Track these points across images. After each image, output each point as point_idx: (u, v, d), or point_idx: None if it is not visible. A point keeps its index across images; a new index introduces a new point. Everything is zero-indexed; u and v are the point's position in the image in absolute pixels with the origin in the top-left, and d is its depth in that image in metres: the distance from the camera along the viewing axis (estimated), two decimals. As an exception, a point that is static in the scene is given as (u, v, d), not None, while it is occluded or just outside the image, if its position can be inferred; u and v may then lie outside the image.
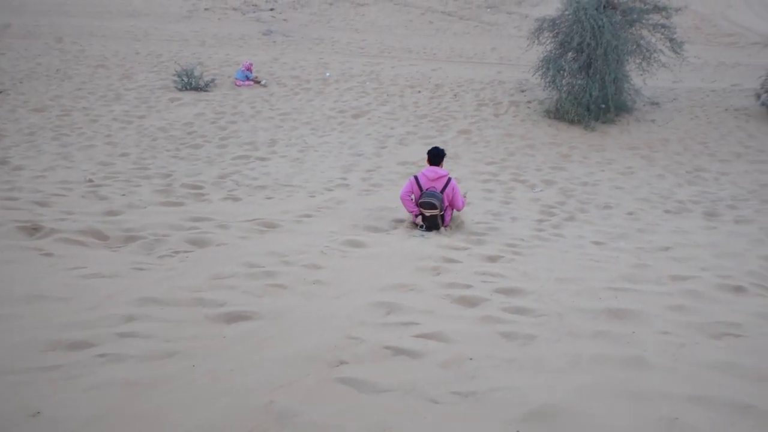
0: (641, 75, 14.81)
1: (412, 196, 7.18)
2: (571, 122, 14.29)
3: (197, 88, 15.97)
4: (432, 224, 7.16)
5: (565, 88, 14.67)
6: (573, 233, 7.56)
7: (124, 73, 17.16)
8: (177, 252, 5.44)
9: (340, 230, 6.68)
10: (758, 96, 15.50)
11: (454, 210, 7.40)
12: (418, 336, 3.79)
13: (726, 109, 15.54)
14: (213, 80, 16.57)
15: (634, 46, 14.61)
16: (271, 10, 29.01)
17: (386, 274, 5.15)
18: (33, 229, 5.52)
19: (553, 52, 14.92)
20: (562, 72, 14.70)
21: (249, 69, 17.02)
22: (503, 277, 5.27)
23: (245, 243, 5.89)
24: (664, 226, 8.21)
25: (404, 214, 7.54)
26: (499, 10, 29.76)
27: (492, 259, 5.96)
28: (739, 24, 27.71)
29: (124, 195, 7.90)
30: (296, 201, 8.34)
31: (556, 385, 3.20)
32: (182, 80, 15.95)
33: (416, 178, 7.20)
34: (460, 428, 2.81)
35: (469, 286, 4.91)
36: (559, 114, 14.55)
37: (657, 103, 15.85)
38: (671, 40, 14.91)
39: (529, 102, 15.67)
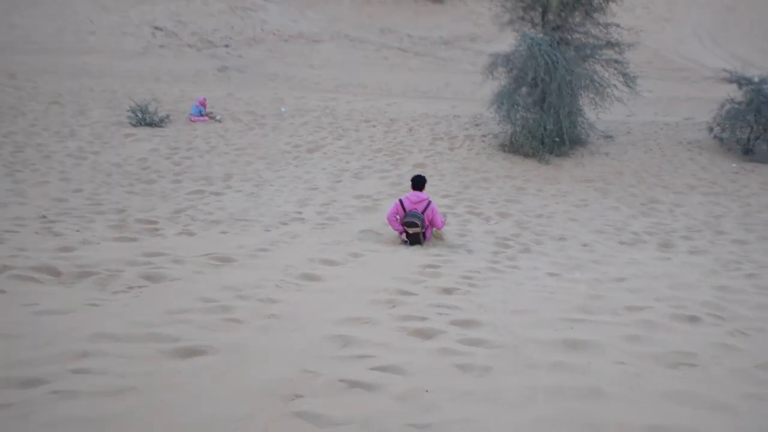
0: (595, 109, 15.11)
1: (398, 217, 8.26)
2: (526, 155, 14.55)
3: (152, 124, 15.92)
4: (414, 240, 8.24)
5: (519, 122, 14.87)
6: (528, 265, 7.63)
7: (78, 109, 16.97)
8: (131, 287, 5.39)
9: (295, 264, 6.72)
10: (711, 129, 16.04)
11: (434, 228, 8.46)
12: (374, 369, 3.81)
13: (679, 142, 16.08)
14: (168, 116, 16.54)
15: (588, 81, 14.92)
16: (226, 46, 29.19)
17: (341, 308, 5.19)
18: (-16, 267, 5.43)
19: (508, 86, 15.15)
20: (516, 106, 14.88)
21: (203, 104, 17.02)
22: (459, 309, 5.30)
23: (200, 278, 5.88)
24: (618, 257, 8.33)
25: (358, 248, 7.74)
26: (454, 47, 30.49)
27: (447, 291, 6.00)
28: (691, 59, 28.81)
29: (78, 231, 7.80)
30: (251, 235, 8.35)
31: (513, 417, 3.24)
32: (137, 116, 15.88)
33: (401, 201, 8.28)
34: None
35: (424, 318, 4.93)
36: (513, 147, 14.79)
37: (611, 137, 16.25)
38: (624, 74, 15.39)
39: (483, 136, 15.99)
